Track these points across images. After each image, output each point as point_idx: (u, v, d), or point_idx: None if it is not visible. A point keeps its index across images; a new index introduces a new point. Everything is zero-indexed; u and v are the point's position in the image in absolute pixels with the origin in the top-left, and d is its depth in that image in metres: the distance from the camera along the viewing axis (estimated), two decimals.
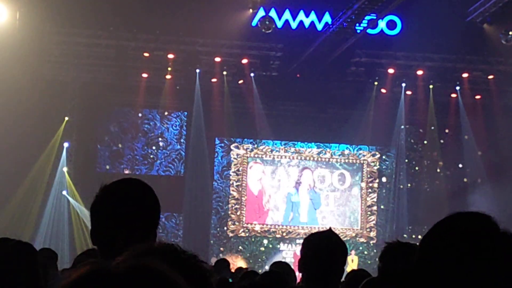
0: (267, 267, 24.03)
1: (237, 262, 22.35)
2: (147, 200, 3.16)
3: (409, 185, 26.64)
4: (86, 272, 1.34)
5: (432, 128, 26.13)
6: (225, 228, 25.84)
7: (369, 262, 25.29)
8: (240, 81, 24.73)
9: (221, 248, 25.63)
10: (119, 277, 1.32)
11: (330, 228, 4.43)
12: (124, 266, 1.34)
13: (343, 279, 5.02)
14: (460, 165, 26.41)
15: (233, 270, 12.39)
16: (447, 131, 26.32)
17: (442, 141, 26.42)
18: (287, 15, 22.81)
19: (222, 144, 26.08)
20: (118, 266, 1.35)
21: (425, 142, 26.64)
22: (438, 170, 26.64)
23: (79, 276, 1.34)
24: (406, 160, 26.69)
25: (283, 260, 15.17)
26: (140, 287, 1.32)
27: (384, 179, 26.73)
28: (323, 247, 4.15)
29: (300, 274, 4.39)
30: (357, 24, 21.12)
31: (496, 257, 1.87)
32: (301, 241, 4.35)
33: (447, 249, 1.90)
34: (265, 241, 25.92)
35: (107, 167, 25.39)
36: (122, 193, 3.10)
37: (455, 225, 1.95)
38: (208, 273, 2.17)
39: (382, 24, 22.69)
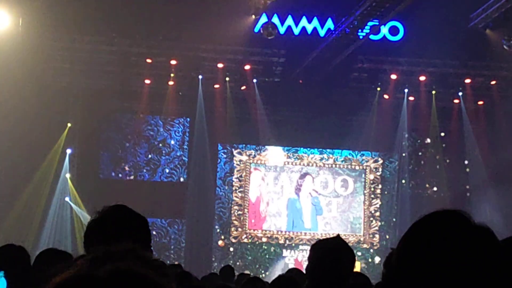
0: (268, 273, 24.08)
1: None
2: (137, 225, 3.29)
3: (411, 190, 26.60)
4: (70, 276, 1.35)
5: (435, 133, 26.12)
6: (228, 234, 25.81)
7: (371, 268, 25.29)
8: (243, 87, 24.73)
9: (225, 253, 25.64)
10: (103, 281, 1.33)
11: (338, 235, 4.43)
12: (108, 270, 1.35)
13: None
14: (463, 171, 26.39)
15: None
16: (449, 136, 26.28)
17: (444, 146, 26.39)
18: (289, 21, 22.81)
19: (225, 150, 26.08)
20: (102, 270, 1.35)
21: (428, 147, 26.62)
22: (441, 176, 26.60)
23: (64, 280, 1.34)
24: (409, 166, 26.66)
25: (287, 267, 15.16)
26: None
27: (387, 185, 26.71)
28: (330, 254, 4.13)
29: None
30: (360, 30, 21.13)
31: (469, 251, 1.88)
32: (304, 247, 4.34)
33: (421, 250, 1.91)
34: (268, 247, 25.90)
35: (110, 173, 25.39)
36: (112, 220, 3.22)
37: (426, 226, 1.96)
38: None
39: (384, 30, 22.69)
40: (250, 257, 25.81)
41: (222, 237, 25.79)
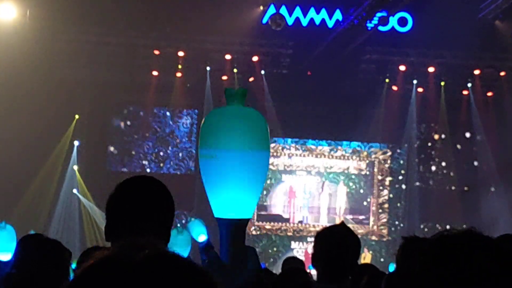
0: (276, 265, 24.06)
1: None
2: (163, 198, 3.13)
3: (420, 182, 26.54)
4: (105, 257, 1.30)
5: (444, 125, 26.03)
6: None
7: (381, 259, 25.24)
8: (251, 79, 24.67)
9: None
10: (140, 264, 1.27)
11: (342, 222, 4.37)
12: (144, 254, 1.30)
13: None
14: (472, 162, 26.31)
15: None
16: (458, 128, 26.18)
17: (453, 137, 26.29)
18: (297, 12, 22.76)
19: None
20: (138, 254, 1.30)
21: (437, 139, 26.54)
22: (450, 168, 26.53)
23: (100, 260, 1.29)
24: (418, 158, 26.60)
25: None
26: (163, 274, 1.28)
27: (395, 177, 26.66)
28: (336, 242, 4.06)
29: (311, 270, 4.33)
30: (368, 21, 21.06)
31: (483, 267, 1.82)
32: (312, 239, 4.26)
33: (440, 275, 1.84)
34: (277, 239, 25.89)
35: (118, 165, 25.39)
36: (138, 191, 3.07)
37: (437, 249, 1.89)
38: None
39: (393, 21, 22.62)
40: (258, 249, 25.77)
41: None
